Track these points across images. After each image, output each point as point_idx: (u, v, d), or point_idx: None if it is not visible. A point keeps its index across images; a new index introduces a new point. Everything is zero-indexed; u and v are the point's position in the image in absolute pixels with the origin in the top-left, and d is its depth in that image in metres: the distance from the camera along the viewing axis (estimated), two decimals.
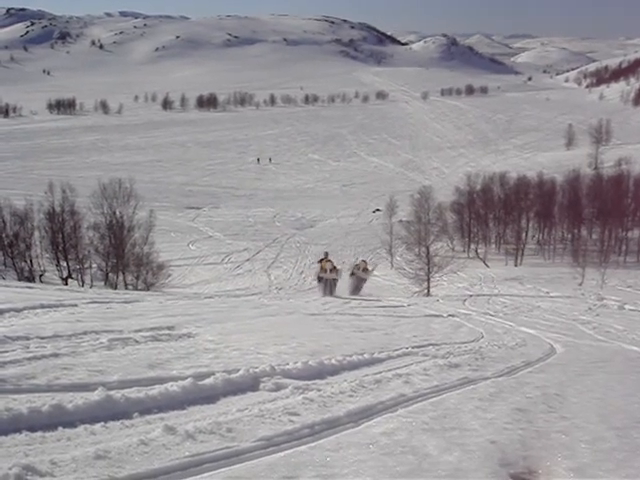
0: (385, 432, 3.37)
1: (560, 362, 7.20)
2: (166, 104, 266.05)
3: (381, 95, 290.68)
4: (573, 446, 3.24)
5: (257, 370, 4.73)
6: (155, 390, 4.07)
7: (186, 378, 4.35)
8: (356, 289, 29.55)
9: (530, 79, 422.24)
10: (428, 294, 36.55)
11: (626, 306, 21.87)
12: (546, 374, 5.93)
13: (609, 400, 4.63)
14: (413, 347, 7.04)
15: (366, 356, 5.92)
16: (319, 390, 4.32)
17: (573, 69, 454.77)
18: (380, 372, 5.16)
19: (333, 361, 5.44)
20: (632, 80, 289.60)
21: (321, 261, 29.27)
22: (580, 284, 43.14)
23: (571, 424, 3.73)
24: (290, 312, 12.81)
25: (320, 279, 28.51)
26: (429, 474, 2.76)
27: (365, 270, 31.22)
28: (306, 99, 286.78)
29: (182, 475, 2.88)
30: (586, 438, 3.42)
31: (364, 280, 30.78)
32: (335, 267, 28.33)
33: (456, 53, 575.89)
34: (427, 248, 42.14)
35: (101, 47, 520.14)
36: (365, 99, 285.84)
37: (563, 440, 3.35)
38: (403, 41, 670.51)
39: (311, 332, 8.20)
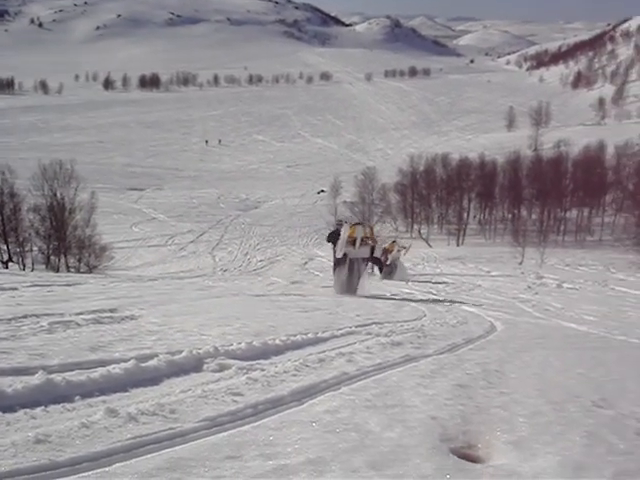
0: (328, 410, 3.40)
1: (500, 339, 7.35)
2: (108, 84, 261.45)
3: (325, 76, 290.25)
4: (512, 420, 3.32)
5: (200, 351, 4.72)
6: (97, 373, 4.02)
7: (129, 360, 4.31)
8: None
9: (472, 61, 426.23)
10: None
11: (564, 284, 22.39)
12: (486, 351, 6.05)
13: (547, 375, 4.75)
14: (357, 326, 7.10)
15: (310, 336, 5.96)
16: (263, 370, 4.33)
17: (514, 52, 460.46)
18: (324, 351, 5.20)
19: (277, 341, 5.45)
20: (571, 64, 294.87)
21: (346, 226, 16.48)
22: (520, 263, 44.07)
23: (510, 399, 3.82)
24: (235, 293, 12.78)
25: (340, 261, 16.36)
26: (371, 450, 2.80)
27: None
28: (250, 79, 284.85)
29: (124, 457, 2.86)
30: (524, 412, 3.50)
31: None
32: (370, 237, 16.83)
33: (400, 35, 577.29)
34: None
35: (40, 25, 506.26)
36: (309, 80, 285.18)
37: (502, 415, 3.43)
38: (347, 22, 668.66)
39: (255, 313, 8.20)
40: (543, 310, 13.46)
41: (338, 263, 16.50)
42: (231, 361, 4.57)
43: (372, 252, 17.29)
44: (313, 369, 4.45)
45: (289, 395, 3.74)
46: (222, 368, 4.40)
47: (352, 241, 16.07)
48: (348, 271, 16.14)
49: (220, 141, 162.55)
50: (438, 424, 3.19)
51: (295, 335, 5.85)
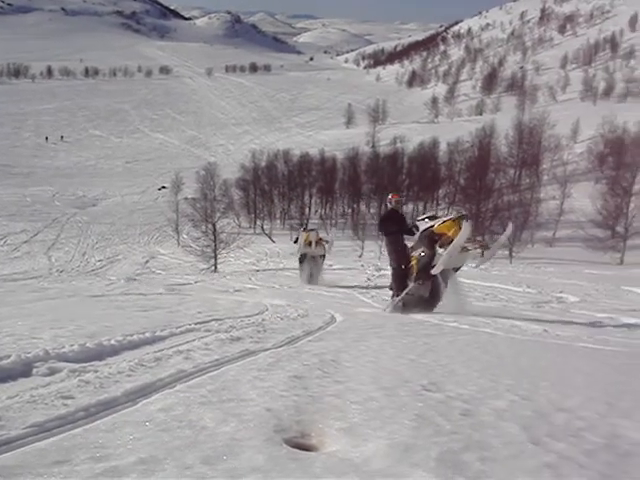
0: (162, 408, 3.35)
1: (339, 330, 7.51)
2: None
3: (165, 70, 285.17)
4: (345, 408, 3.40)
5: (29, 355, 4.51)
6: None
7: None
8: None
9: (312, 59, 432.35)
10: (215, 271, 36.72)
11: None
12: (324, 342, 6.17)
13: (381, 363, 4.90)
14: (196, 323, 7.04)
15: (147, 335, 5.84)
16: (96, 372, 4.20)
17: (352, 50, 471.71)
18: (161, 350, 5.12)
19: (113, 342, 5.30)
20: (406, 63, 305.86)
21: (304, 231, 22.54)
22: (360, 256, 45.31)
23: (344, 387, 3.91)
24: (71, 295, 12.34)
25: (303, 257, 21.68)
26: (205, 446, 2.79)
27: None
28: (86, 72, 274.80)
29: None
30: (357, 399, 3.60)
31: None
32: (321, 239, 22.00)
33: (240, 31, 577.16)
34: (213, 225, 42.34)
35: None
36: (148, 74, 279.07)
37: (336, 403, 3.51)
38: (187, 16, 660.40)
39: (92, 314, 7.97)
40: (381, 300, 13.92)
41: (300, 262, 21.80)
42: (63, 364, 4.40)
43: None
44: (149, 368, 4.37)
45: (123, 396, 3.65)
46: (53, 372, 4.23)
47: (309, 243, 21.35)
48: (308, 267, 21.08)
49: (62, 137, 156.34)
50: (273, 416, 3.23)
51: (132, 335, 5.72)
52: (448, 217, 11.36)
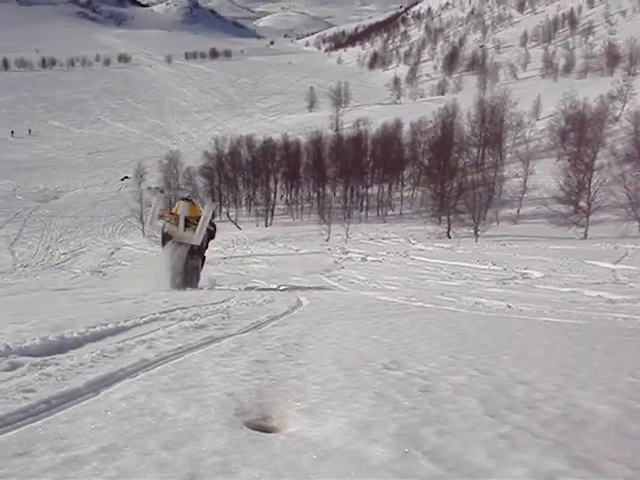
0: (124, 397, 3.36)
1: (304, 314, 7.56)
2: None
3: (123, 58, 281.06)
4: (305, 389, 3.44)
5: None
6: None
7: None
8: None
9: (272, 43, 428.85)
10: None
11: (368, 257, 23.43)
12: (289, 326, 6.21)
13: (344, 344, 4.95)
14: (161, 312, 7.03)
15: (110, 326, 5.82)
16: (57, 364, 4.19)
17: (313, 33, 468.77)
18: (124, 340, 5.11)
19: (75, 334, 5.27)
20: (367, 45, 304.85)
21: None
22: (327, 240, 45.44)
23: (306, 369, 3.95)
24: (34, 289, 12.22)
25: (166, 240, 13.59)
26: (166, 432, 2.81)
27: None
28: (43, 63, 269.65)
29: None
30: (318, 380, 3.64)
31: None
32: (194, 221, 13.46)
33: (199, 16, 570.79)
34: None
35: None
36: (107, 62, 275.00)
37: (297, 385, 3.55)
38: (144, 2, 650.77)
39: (55, 307, 7.92)
40: (348, 283, 14.03)
41: (163, 246, 13.37)
42: (24, 358, 4.38)
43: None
44: (111, 359, 4.36)
45: (85, 387, 3.65)
46: (14, 366, 4.20)
47: (175, 220, 13.17)
48: (174, 263, 12.49)
49: (30, 131, 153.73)
50: (234, 400, 3.26)
51: (95, 327, 5.70)
52: None
